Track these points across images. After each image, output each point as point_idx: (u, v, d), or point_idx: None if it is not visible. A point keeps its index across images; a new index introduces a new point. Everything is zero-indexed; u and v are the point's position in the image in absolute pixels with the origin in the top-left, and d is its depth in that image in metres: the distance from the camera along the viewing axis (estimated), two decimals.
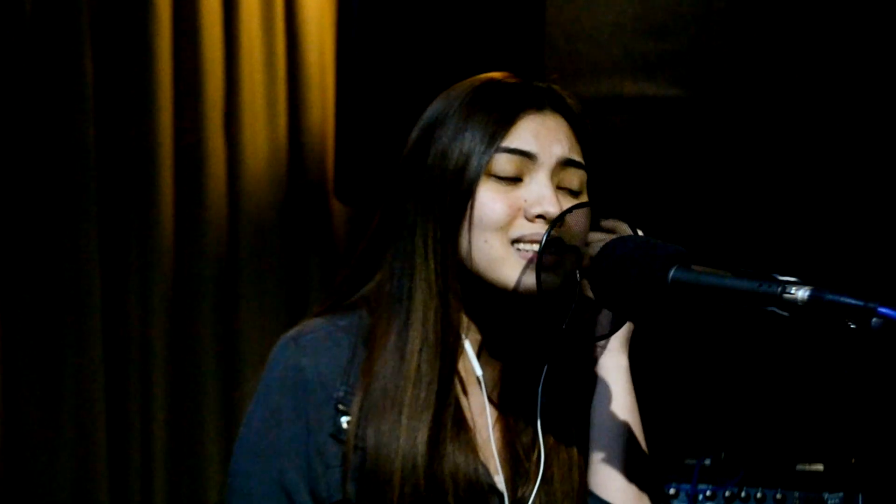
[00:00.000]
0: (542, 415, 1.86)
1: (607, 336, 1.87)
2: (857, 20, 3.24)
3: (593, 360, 1.89)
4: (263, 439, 1.85)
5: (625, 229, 1.83)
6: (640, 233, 1.83)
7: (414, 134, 1.90)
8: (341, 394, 1.83)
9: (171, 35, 3.61)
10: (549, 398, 1.88)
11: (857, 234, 3.29)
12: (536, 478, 1.84)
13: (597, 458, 1.87)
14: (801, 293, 1.61)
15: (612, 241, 1.78)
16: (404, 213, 1.87)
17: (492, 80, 1.89)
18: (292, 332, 1.89)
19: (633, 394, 1.89)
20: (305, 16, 3.75)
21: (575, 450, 1.88)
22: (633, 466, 1.87)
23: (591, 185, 1.89)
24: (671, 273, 1.70)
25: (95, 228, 3.50)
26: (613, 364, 1.89)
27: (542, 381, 1.86)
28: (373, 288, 1.90)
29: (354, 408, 1.81)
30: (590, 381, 1.89)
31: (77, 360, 3.46)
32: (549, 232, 1.78)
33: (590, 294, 1.81)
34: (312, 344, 1.86)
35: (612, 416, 1.87)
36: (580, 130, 1.88)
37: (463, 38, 3.32)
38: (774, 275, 1.65)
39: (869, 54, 3.24)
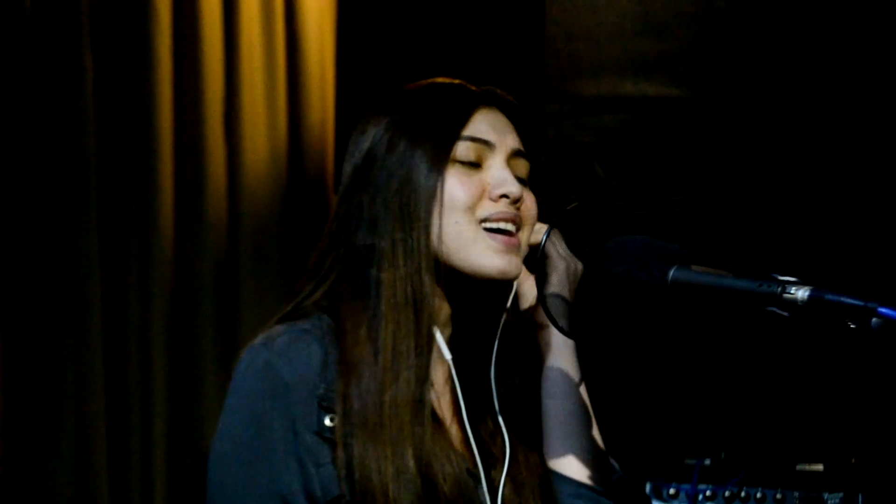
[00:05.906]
0: (499, 398, 1.93)
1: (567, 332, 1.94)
2: (857, 20, 3.25)
3: (540, 340, 1.98)
4: (249, 448, 1.85)
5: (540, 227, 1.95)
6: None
7: (368, 136, 1.96)
8: (322, 391, 1.84)
9: (171, 35, 3.60)
10: (504, 381, 1.95)
11: (857, 234, 3.29)
12: (504, 461, 1.90)
13: (551, 435, 1.96)
14: (801, 293, 1.61)
15: (613, 241, 1.80)
16: (360, 208, 1.92)
17: (441, 82, 2.02)
18: (258, 339, 1.91)
19: (579, 371, 1.98)
20: (305, 16, 3.75)
21: (533, 430, 1.96)
22: (584, 439, 1.95)
23: (532, 177, 2.00)
24: (671, 273, 1.71)
25: (95, 228, 3.49)
26: (559, 342, 1.98)
27: (493, 364, 1.92)
28: (326, 291, 1.94)
29: (338, 406, 1.83)
30: (539, 361, 1.98)
31: (77, 360, 3.46)
32: (548, 233, 1.90)
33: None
34: (284, 346, 1.87)
35: (561, 394, 1.96)
36: (521, 127, 2.00)
37: (463, 38, 3.33)
38: (774, 275, 1.65)
39: (869, 54, 3.24)
